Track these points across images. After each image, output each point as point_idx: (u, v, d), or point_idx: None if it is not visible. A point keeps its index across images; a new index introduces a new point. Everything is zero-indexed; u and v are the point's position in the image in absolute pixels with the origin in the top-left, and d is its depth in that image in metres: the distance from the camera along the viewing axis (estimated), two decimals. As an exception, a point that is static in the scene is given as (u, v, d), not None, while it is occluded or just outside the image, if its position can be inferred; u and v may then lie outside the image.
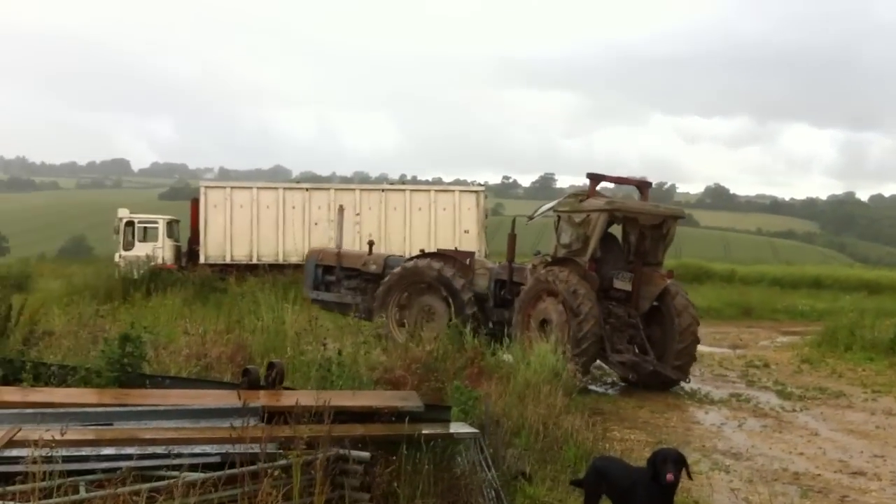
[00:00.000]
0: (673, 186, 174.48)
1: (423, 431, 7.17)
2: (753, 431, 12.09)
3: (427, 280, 16.90)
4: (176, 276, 26.80)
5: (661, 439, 11.24)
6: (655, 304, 15.51)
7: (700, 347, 21.48)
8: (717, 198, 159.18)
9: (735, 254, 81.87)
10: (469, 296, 16.50)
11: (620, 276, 15.22)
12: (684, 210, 17.26)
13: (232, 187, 31.46)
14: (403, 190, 31.99)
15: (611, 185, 19.06)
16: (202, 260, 29.88)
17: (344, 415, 7.27)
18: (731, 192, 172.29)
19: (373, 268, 18.16)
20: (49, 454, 5.20)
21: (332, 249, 19.95)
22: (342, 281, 18.68)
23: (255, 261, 29.46)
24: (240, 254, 30.21)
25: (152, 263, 28.04)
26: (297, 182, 36.02)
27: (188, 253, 31.41)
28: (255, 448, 6.12)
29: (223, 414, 6.79)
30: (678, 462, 6.32)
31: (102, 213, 49.57)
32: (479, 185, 34.04)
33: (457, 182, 39.02)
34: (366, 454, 6.54)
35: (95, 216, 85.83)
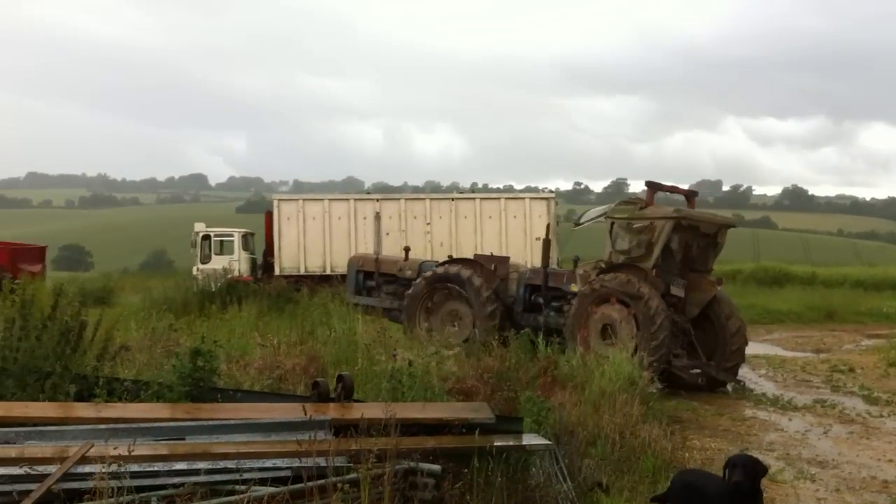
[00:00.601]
0: (749, 189, 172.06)
1: (495, 444, 7.06)
2: (840, 438, 11.68)
3: (449, 285, 17.07)
4: (252, 287, 27.08)
5: (743, 448, 10.90)
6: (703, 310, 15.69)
7: (782, 352, 21.18)
8: (796, 199, 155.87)
9: (816, 256, 79.84)
10: (488, 299, 16.58)
11: (676, 283, 15.31)
12: (735, 221, 17.87)
13: (304, 199, 31.72)
14: (473, 198, 31.86)
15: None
16: (277, 272, 30.17)
17: (414, 427, 7.19)
18: (810, 193, 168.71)
19: (408, 273, 18.40)
20: (118, 470, 5.17)
21: (372, 256, 20.78)
22: (381, 286, 18.98)
23: (328, 271, 29.59)
24: (313, 265, 30.43)
25: (229, 276, 28.39)
26: (368, 193, 36.15)
27: (263, 265, 31.78)
28: (324, 462, 6.07)
29: (292, 427, 6.75)
30: (747, 466, 6.23)
31: (182, 227, 50.31)
32: (550, 191, 33.65)
33: (528, 189, 38.86)
34: (436, 467, 6.44)
35: (175, 230, 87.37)
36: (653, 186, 16.19)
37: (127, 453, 5.84)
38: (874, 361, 18.84)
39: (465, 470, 6.76)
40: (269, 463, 6.25)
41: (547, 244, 17.30)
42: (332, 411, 7.22)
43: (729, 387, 15.51)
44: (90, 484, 5.54)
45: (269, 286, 27.15)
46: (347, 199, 31.69)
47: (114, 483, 5.16)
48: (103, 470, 5.41)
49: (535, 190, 35.81)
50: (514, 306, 16.87)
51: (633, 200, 16.55)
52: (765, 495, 8.78)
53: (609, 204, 17.41)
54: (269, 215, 31.40)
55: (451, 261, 18.14)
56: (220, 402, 7.48)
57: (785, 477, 9.56)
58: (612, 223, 15.97)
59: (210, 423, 6.80)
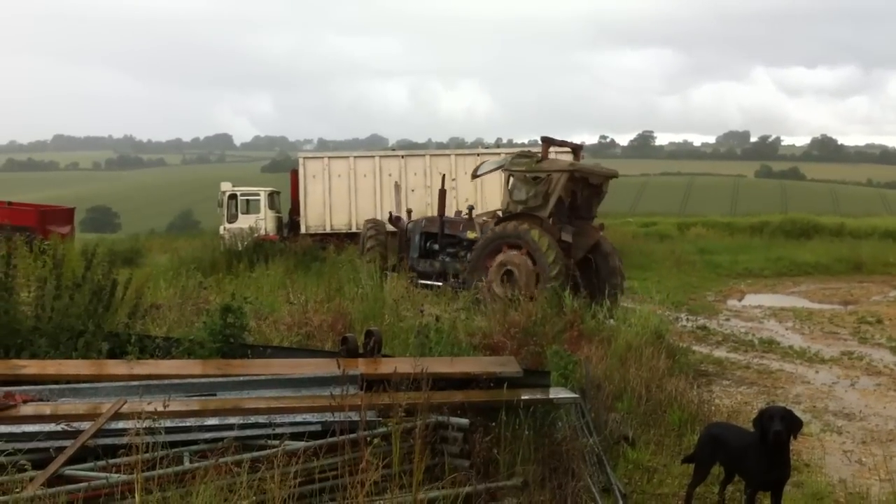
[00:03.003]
0: (778, 139, 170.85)
1: (523, 397, 7.12)
2: (867, 390, 11.67)
3: None
4: (278, 246, 27.20)
5: (770, 400, 10.91)
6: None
7: (810, 304, 21.09)
8: (825, 149, 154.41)
9: (845, 207, 79.10)
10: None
11: (565, 230, 16.40)
12: (617, 171, 18.90)
13: (329, 157, 31.72)
14: (499, 153, 31.68)
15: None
16: (303, 230, 30.28)
17: (442, 381, 7.25)
18: (839, 142, 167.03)
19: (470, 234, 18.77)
20: (153, 426, 5.27)
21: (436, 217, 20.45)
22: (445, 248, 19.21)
23: (354, 229, 29.62)
24: (339, 223, 30.50)
25: (255, 235, 28.48)
26: (393, 149, 36.08)
27: (289, 223, 31.89)
28: (355, 416, 6.16)
29: (323, 383, 6.85)
30: (785, 418, 6.24)
31: (208, 187, 50.47)
32: (576, 144, 33.42)
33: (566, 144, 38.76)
34: (465, 421, 6.50)
35: (201, 191, 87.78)
36: (547, 141, 17.70)
37: (161, 409, 5.98)
38: (902, 313, 18.72)
39: (493, 424, 6.84)
40: (299, 418, 6.34)
41: (443, 194, 19.05)
42: (361, 366, 7.30)
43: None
44: (125, 439, 5.65)
45: (296, 244, 27.29)
46: (373, 157, 31.62)
47: (148, 438, 5.24)
48: (138, 425, 5.52)
49: (561, 144, 35.49)
50: (409, 253, 18.66)
51: (528, 154, 17.98)
52: (791, 447, 8.86)
53: (506, 157, 19.22)
54: (295, 174, 31.46)
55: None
56: (250, 358, 7.58)
57: (811, 430, 9.57)
58: (510, 175, 17.28)
59: (241, 378, 6.91)
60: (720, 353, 14.29)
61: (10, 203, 31.95)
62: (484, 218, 18.17)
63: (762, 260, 29.90)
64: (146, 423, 5.07)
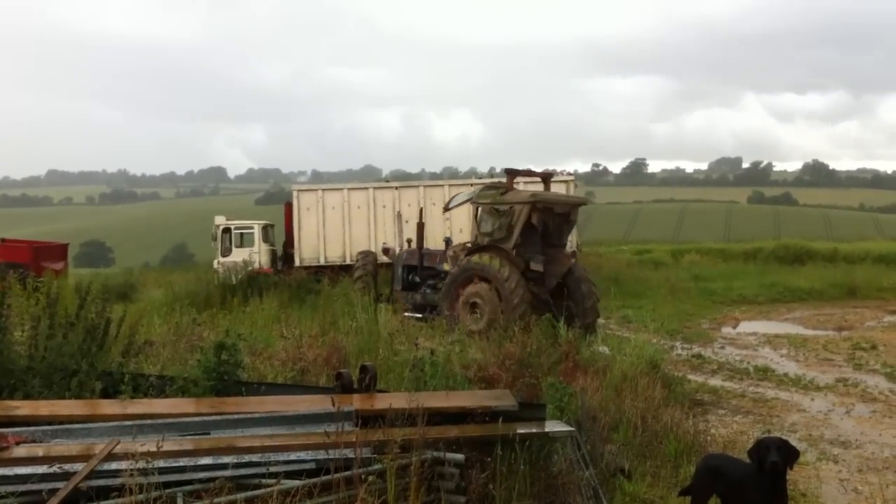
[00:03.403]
0: (770, 165, 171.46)
1: (519, 431, 7.10)
2: (862, 418, 11.66)
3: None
4: (273, 279, 27.17)
5: (766, 430, 10.91)
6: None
7: (804, 331, 21.10)
8: (817, 174, 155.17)
9: (837, 231, 79.45)
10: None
11: (535, 259, 16.80)
12: (587, 199, 19.79)
13: (323, 189, 31.79)
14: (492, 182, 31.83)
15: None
16: (297, 263, 30.30)
17: (438, 416, 7.25)
18: (831, 167, 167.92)
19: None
20: (146, 467, 5.25)
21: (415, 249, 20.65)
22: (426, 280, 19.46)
23: (348, 261, 29.59)
24: (333, 255, 30.53)
25: (249, 268, 28.44)
26: (387, 181, 36.15)
27: (284, 256, 31.90)
28: (350, 453, 6.14)
29: (317, 419, 6.83)
30: (781, 448, 6.25)
31: (202, 220, 50.53)
32: (569, 174, 33.50)
33: (545, 171, 38.82)
34: (460, 456, 6.49)
35: (195, 224, 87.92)
36: (512, 173, 17.91)
37: (154, 449, 5.96)
38: (897, 338, 18.74)
39: (489, 458, 6.81)
40: (294, 456, 6.32)
41: (421, 227, 19.38)
42: (356, 402, 7.28)
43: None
44: (118, 480, 5.62)
45: (290, 277, 27.27)
46: (366, 188, 31.71)
47: (141, 479, 5.22)
48: (131, 466, 5.50)
49: (554, 173, 35.63)
50: (394, 285, 19.07)
51: (496, 186, 18.31)
52: (788, 477, 8.84)
53: (475, 189, 19.25)
54: (289, 206, 31.51)
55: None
56: (244, 395, 7.56)
57: (808, 458, 9.56)
58: (478, 207, 17.58)
59: (235, 416, 6.87)
60: (715, 381, 14.29)
61: (3, 240, 31.90)
62: (455, 250, 18.51)
63: (756, 286, 29.94)
64: (140, 465, 5.04)
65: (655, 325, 17.94)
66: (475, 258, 16.79)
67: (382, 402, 7.22)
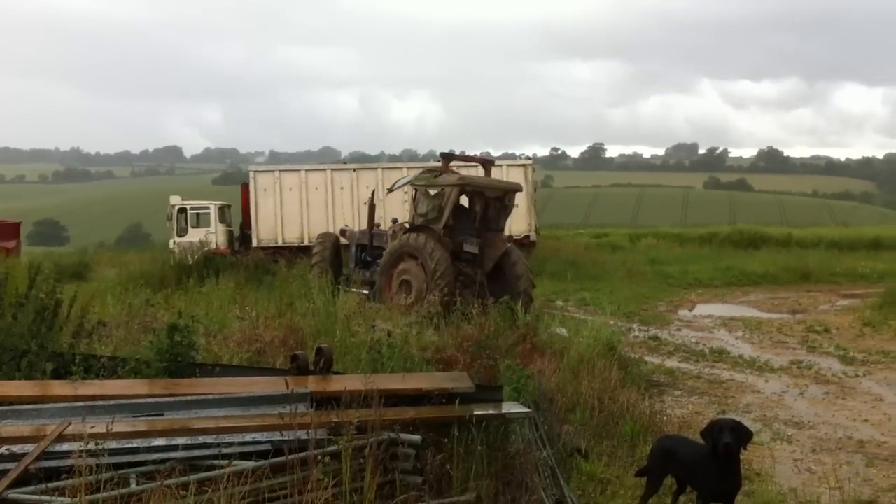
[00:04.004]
0: (725, 151, 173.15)
1: (475, 413, 7.08)
2: (816, 399, 11.81)
3: None
4: (230, 260, 26.94)
5: (722, 410, 11.01)
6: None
7: (759, 314, 21.36)
8: (772, 161, 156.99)
9: (791, 217, 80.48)
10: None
11: (469, 242, 17.23)
12: (520, 184, 19.79)
13: (280, 171, 31.59)
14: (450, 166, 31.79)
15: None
16: (255, 243, 30.09)
17: (395, 398, 7.20)
18: (785, 154, 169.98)
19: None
20: (96, 448, 5.16)
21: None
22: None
23: (306, 242, 29.40)
24: (291, 236, 30.36)
25: (206, 249, 28.15)
26: (345, 163, 35.96)
27: (241, 237, 31.66)
28: (305, 435, 6.08)
29: (272, 401, 6.75)
30: (734, 430, 6.29)
31: (158, 200, 49.89)
32: (527, 158, 33.56)
33: (505, 156, 38.86)
34: (416, 438, 6.45)
35: (151, 204, 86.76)
36: (447, 157, 18.51)
37: (105, 430, 5.86)
38: (849, 321, 19.00)
39: (446, 440, 6.79)
40: (248, 437, 6.25)
41: (372, 208, 19.73)
42: (311, 384, 7.22)
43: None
44: (69, 462, 5.52)
45: (247, 258, 27.05)
46: (324, 170, 31.55)
47: (92, 461, 5.12)
48: (81, 448, 5.39)
49: (513, 157, 35.73)
50: (349, 264, 19.51)
51: (433, 169, 18.52)
52: (742, 457, 8.92)
53: (416, 173, 19.85)
54: (246, 187, 31.24)
55: None
56: (198, 377, 7.45)
57: (762, 439, 9.64)
58: (416, 190, 18.09)
59: (188, 398, 6.77)
60: (672, 363, 14.40)
61: (-45, 218, 31.32)
62: (395, 230, 18.93)
63: (711, 270, 30.27)
64: (90, 446, 4.94)
65: (612, 308, 18.00)
66: (406, 237, 17.36)
67: (338, 384, 7.16)
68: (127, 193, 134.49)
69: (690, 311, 22.45)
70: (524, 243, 30.70)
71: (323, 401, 6.88)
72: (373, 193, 20.31)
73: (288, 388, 6.32)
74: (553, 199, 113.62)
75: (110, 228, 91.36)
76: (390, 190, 20.42)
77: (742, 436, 6.39)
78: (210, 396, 6.85)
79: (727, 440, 6.20)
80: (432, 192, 17.38)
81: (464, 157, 19.97)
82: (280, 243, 30.14)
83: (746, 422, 10.38)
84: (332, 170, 31.33)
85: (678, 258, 34.11)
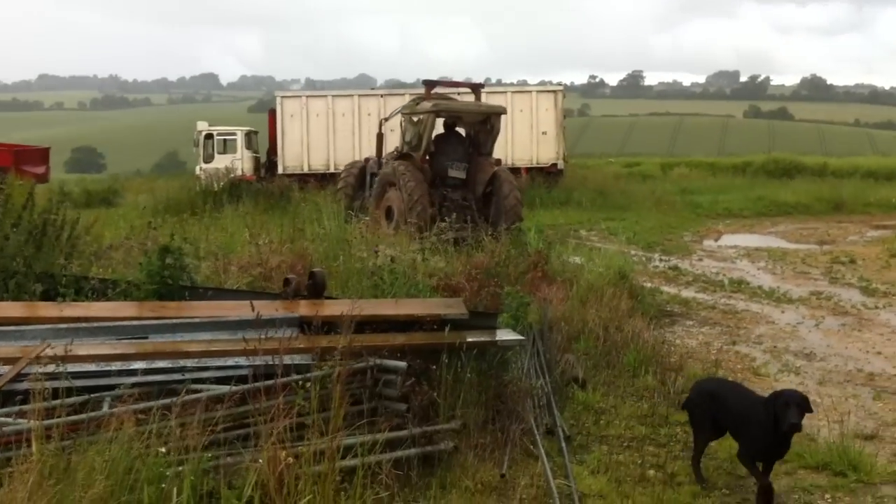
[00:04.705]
0: (767, 79, 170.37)
1: (468, 339, 6.96)
2: (830, 330, 11.56)
3: None
4: (255, 187, 26.94)
5: (732, 341, 10.84)
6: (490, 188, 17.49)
7: (785, 244, 21.00)
8: (814, 89, 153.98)
9: (831, 147, 78.96)
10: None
11: (454, 166, 17.39)
12: (504, 107, 19.09)
13: (308, 96, 31.37)
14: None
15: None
16: (280, 170, 30.01)
17: (387, 324, 7.11)
18: (829, 82, 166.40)
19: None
20: (58, 370, 5.12)
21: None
22: None
23: (332, 170, 29.31)
24: (317, 163, 30.24)
25: (231, 175, 28.14)
26: (372, 89, 35.59)
27: (267, 164, 31.57)
28: (288, 360, 6.01)
29: (259, 325, 6.67)
30: (801, 405, 5.66)
31: (193, 128, 50.19)
32: (558, 84, 32.97)
33: (542, 84, 38.26)
34: (402, 364, 6.34)
35: (187, 132, 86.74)
36: (429, 84, 18.46)
37: (85, 353, 5.82)
38: (877, 253, 18.58)
39: (434, 367, 6.69)
40: (231, 361, 6.19)
41: (380, 137, 19.41)
42: (302, 308, 7.14)
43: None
44: (48, 384, 5.48)
45: (272, 185, 27.02)
46: (351, 96, 31.25)
47: (57, 384, 5.09)
48: (40, 370, 5.35)
49: (549, 84, 35.12)
50: (365, 192, 19.23)
51: (420, 98, 18.40)
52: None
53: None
54: (273, 113, 31.09)
55: None
56: (188, 300, 7.40)
57: (769, 370, 9.49)
58: (403, 118, 18.26)
59: (174, 321, 6.73)
60: (688, 293, 14.17)
61: (-16, 143, 31.52)
62: (388, 158, 18.83)
63: (742, 200, 29.73)
64: (51, 368, 4.90)
65: (634, 237, 17.76)
66: (389, 166, 17.45)
67: (329, 308, 7.08)
68: (163, 121, 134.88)
69: (716, 241, 22.09)
70: (551, 171, 30.43)
71: (315, 326, 6.81)
72: (381, 122, 20.11)
73: (253, 310, 6.23)
74: (589, 127, 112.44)
75: (147, 156, 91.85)
76: (386, 119, 20.13)
77: (806, 411, 5.74)
78: (196, 320, 6.80)
79: (794, 421, 5.54)
80: (415, 119, 17.53)
81: (449, 83, 19.94)
82: (306, 170, 30.04)
83: (756, 353, 10.30)
84: (360, 96, 31.02)
85: (710, 188, 33.53)
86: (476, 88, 19.34)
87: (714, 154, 62.67)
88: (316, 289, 7.50)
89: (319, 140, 30.19)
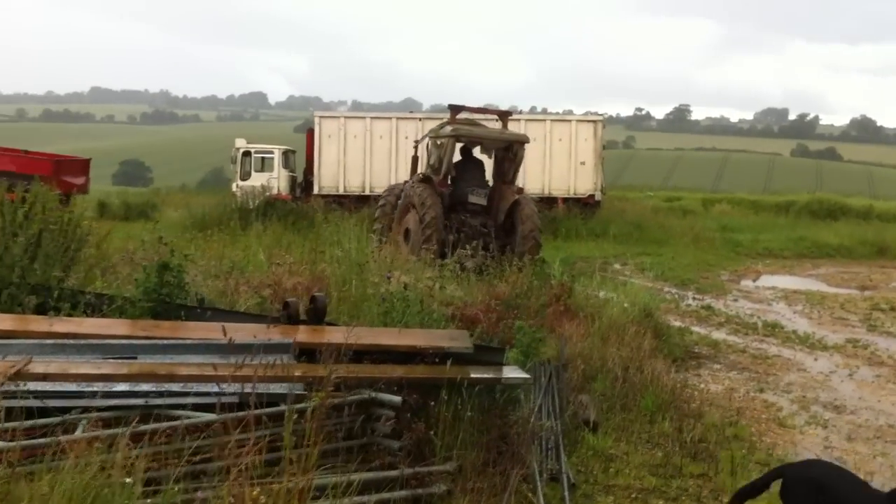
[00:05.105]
0: (816, 118, 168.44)
1: (472, 375, 6.61)
2: (864, 381, 11.03)
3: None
4: (289, 206, 26.86)
5: (761, 387, 10.38)
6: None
7: (825, 288, 20.39)
8: (864, 130, 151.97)
9: (880, 189, 77.62)
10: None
11: (475, 192, 17.32)
12: (528, 136, 18.68)
13: (346, 117, 31.31)
14: (518, 120, 31.08)
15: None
16: (316, 190, 29.91)
17: (388, 354, 6.79)
18: (879, 124, 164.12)
19: None
20: (14, 388, 4.85)
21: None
22: None
23: (367, 192, 29.18)
24: (353, 184, 30.08)
25: (267, 194, 28.10)
26: (411, 112, 35.43)
27: (304, 183, 31.50)
28: (278, 388, 5.73)
29: (251, 350, 6.38)
30: None
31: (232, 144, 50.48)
32: (597, 114, 32.61)
33: (588, 114, 37.87)
34: (396, 398, 6.01)
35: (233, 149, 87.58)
36: (454, 108, 18.25)
37: (64, 372, 5.56)
38: (919, 301, 17.95)
39: (433, 403, 6.35)
40: (216, 387, 5.88)
41: (415, 160, 19.11)
42: (301, 334, 6.85)
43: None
44: (27, 403, 5.22)
45: (307, 205, 26.91)
46: (390, 118, 31.10)
47: (16, 402, 4.82)
48: (36, 388, 5.11)
49: (595, 114, 34.80)
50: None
51: (447, 122, 18.27)
52: (767, 440, 8.32)
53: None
54: (311, 132, 31.03)
55: None
56: (183, 319, 7.13)
57: (795, 422, 9.02)
58: (428, 142, 18.28)
59: (164, 342, 6.46)
60: (719, 334, 13.69)
61: (25, 152, 31.71)
62: (412, 182, 18.71)
63: (784, 240, 29.04)
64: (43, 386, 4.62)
65: (664, 272, 17.24)
66: (410, 189, 17.33)
67: (327, 335, 6.78)
68: (211, 137, 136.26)
69: (754, 281, 21.51)
70: (588, 202, 30.02)
71: (311, 352, 6.52)
72: (416, 144, 19.87)
73: (225, 335, 5.91)
74: (634, 160, 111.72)
75: (193, 171, 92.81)
76: (418, 142, 19.88)
77: None
78: (188, 341, 6.52)
79: None
80: (438, 143, 17.48)
81: (474, 109, 19.54)
82: (342, 191, 29.92)
83: (784, 402, 9.83)
84: (398, 118, 30.86)
85: (751, 226, 32.86)
86: (503, 116, 19.12)
87: (759, 192, 61.78)
88: (316, 314, 7.21)
89: (356, 161, 30.05)
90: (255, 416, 5.16)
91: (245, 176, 31.18)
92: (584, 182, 30.16)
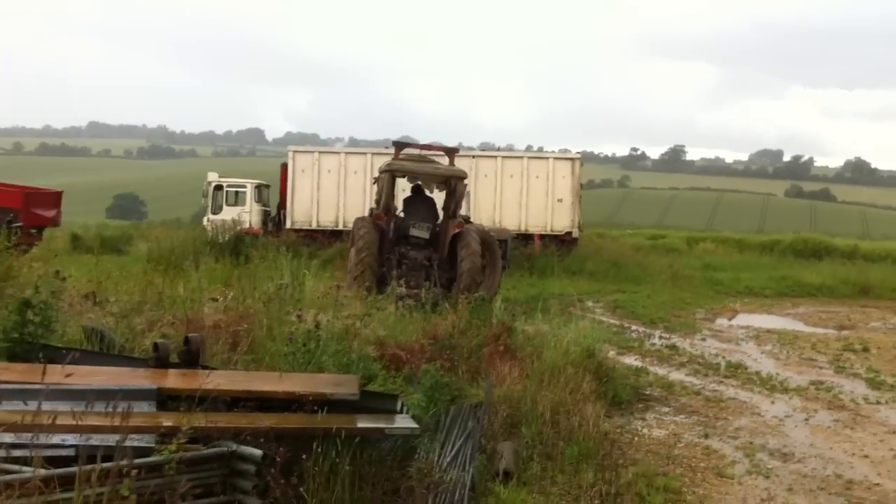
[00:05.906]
0: (811, 160, 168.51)
1: (353, 424, 6.00)
2: (820, 427, 10.36)
3: None
4: (260, 240, 26.28)
5: (706, 432, 9.73)
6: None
7: (801, 328, 19.76)
8: (858, 172, 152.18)
9: (874, 229, 77.25)
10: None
11: (416, 226, 17.50)
12: (466, 172, 19.06)
13: (320, 152, 30.82)
14: (495, 157, 30.74)
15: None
16: (288, 225, 29.42)
17: (268, 401, 6.19)
18: (873, 166, 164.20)
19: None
20: None
21: None
22: None
23: (340, 226, 28.68)
24: (326, 219, 29.60)
25: (238, 228, 27.58)
26: (386, 147, 34.96)
27: (277, 218, 31.02)
28: (138, 440, 5.12)
29: (111, 396, 5.76)
30: None
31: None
32: (575, 153, 32.10)
33: (585, 154, 37.37)
34: (257, 451, 5.39)
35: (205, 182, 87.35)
36: (398, 145, 18.76)
37: None
38: (895, 341, 17.32)
39: (304, 456, 5.72)
40: (58, 439, 5.27)
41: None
42: (169, 378, 6.24)
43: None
44: None
45: (278, 240, 26.33)
46: (364, 153, 30.72)
47: None
48: None
49: (591, 154, 34.40)
50: None
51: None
52: (700, 491, 7.68)
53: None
54: (285, 167, 30.57)
55: None
56: (43, 362, 6.50)
57: (735, 471, 8.36)
58: (376, 177, 18.49)
59: (12, 387, 5.83)
60: (677, 375, 13.05)
61: (-6, 184, 31.22)
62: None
63: (765, 279, 28.47)
64: None
65: (635, 311, 16.63)
66: (354, 224, 17.68)
67: (198, 380, 6.16)
68: (207, 172, 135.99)
69: (729, 319, 20.89)
70: (565, 239, 29.49)
71: (182, 399, 5.90)
72: (374, 181, 19.71)
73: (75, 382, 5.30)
74: (628, 199, 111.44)
75: (188, 206, 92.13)
76: (375, 179, 19.58)
77: None
78: (38, 387, 5.89)
79: None
80: (378, 178, 17.87)
81: (419, 146, 19.80)
82: (314, 226, 29.43)
83: (727, 449, 9.18)
84: (373, 153, 30.35)
85: (734, 265, 32.32)
86: (450, 152, 19.13)
87: (753, 231, 61.29)
88: (190, 356, 6.59)
89: (329, 196, 29.59)
90: (84, 472, 4.52)
91: (216, 210, 30.72)
92: (561, 219, 29.64)
